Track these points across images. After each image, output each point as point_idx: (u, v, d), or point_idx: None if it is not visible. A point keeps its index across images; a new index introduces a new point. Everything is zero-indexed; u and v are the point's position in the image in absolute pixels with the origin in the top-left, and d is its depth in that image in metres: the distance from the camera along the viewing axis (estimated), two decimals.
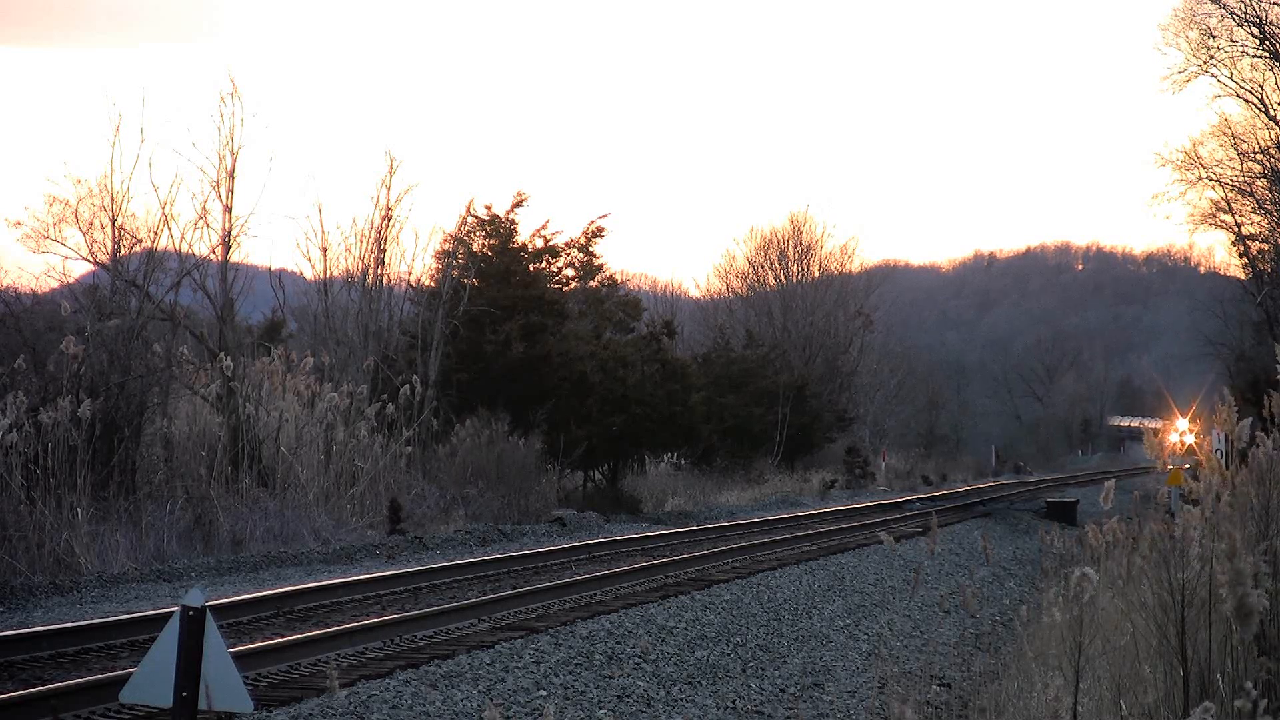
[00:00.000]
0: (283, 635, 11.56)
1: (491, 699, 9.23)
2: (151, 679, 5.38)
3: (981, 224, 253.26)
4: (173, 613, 5.42)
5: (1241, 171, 40.31)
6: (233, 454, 21.53)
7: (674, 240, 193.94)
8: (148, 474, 20.56)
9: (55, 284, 24.04)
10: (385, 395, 24.81)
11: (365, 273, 28.65)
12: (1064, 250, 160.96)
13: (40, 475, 17.38)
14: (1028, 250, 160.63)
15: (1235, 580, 4.77)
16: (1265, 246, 40.99)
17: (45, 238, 23.05)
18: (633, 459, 35.30)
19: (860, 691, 10.43)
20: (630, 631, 12.22)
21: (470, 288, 29.82)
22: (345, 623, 12.28)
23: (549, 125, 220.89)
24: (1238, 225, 41.27)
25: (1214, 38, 38.93)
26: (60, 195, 22.93)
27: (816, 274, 57.91)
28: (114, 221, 22.79)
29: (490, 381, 29.73)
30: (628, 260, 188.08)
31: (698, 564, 18.13)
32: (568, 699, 9.58)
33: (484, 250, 32.22)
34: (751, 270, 58.66)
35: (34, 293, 23.09)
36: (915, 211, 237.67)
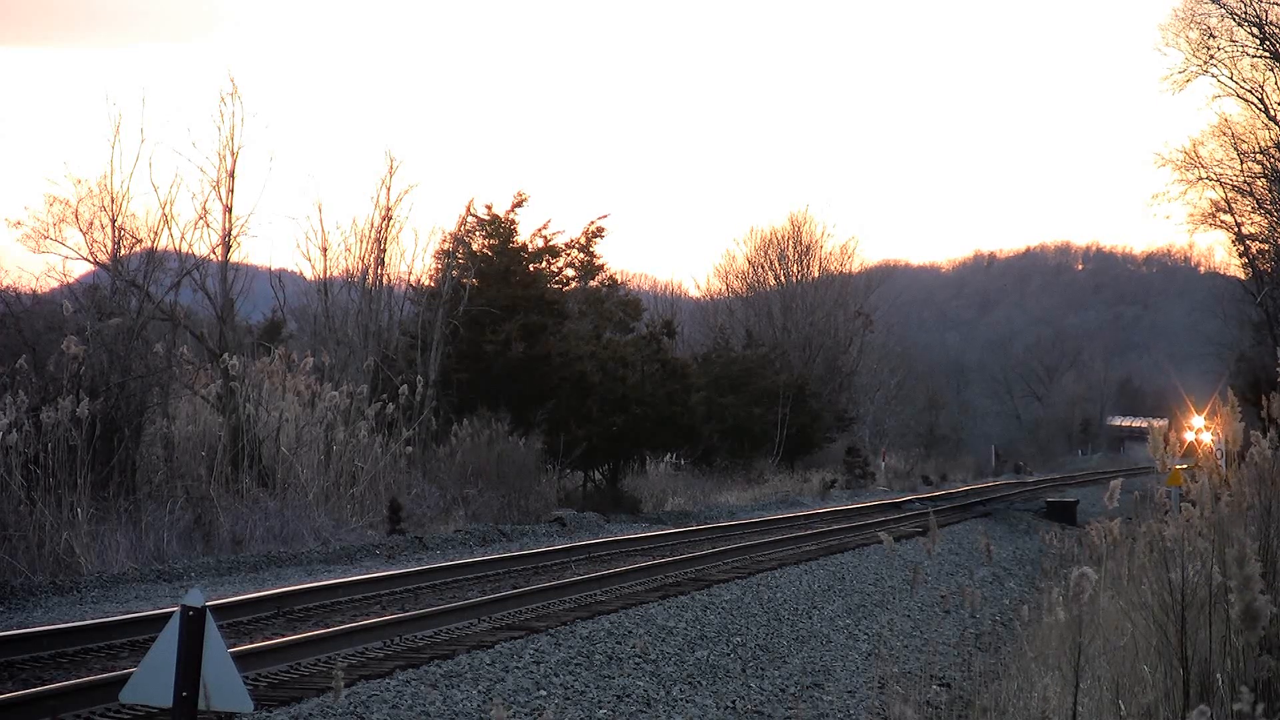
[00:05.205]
0: (283, 635, 11.56)
1: (492, 699, 9.23)
2: (151, 679, 5.38)
3: (981, 224, 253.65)
4: (173, 613, 5.42)
5: (1241, 171, 40.30)
6: (233, 454, 21.52)
7: (674, 240, 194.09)
8: (148, 474, 20.55)
9: (55, 284, 24.07)
10: (385, 395, 24.80)
11: (365, 273, 28.64)
12: (1064, 250, 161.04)
13: (40, 475, 17.36)
14: (1028, 250, 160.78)
15: (1244, 585, 4.77)
16: (1265, 246, 40.97)
17: (45, 238, 23.08)
18: (633, 459, 35.28)
19: (860, 691, 10.43)
20: (630, 631, 12.22)
21: (470, 288, 29.82)
22: (345, 623, 12.28)
23: (549, 125, 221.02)
24: (1238, 225, 41.27)
25: (1214, 38, 38.92)
26: (60, 195, 22.97)
27: (816, 274, 57.87)
28: (114, 221, 22.81)
29: (490, 381, 29.72)
30: (628, 260, 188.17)
31: (698, 564, 18.12)
32: (568, 699, 9.58)
33: (484, 250, 32.22)
34: (751, 270, 58.65)
35: (34, 293, 23.12)
36: (915, 211, 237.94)
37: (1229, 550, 4.93)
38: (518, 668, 10.38)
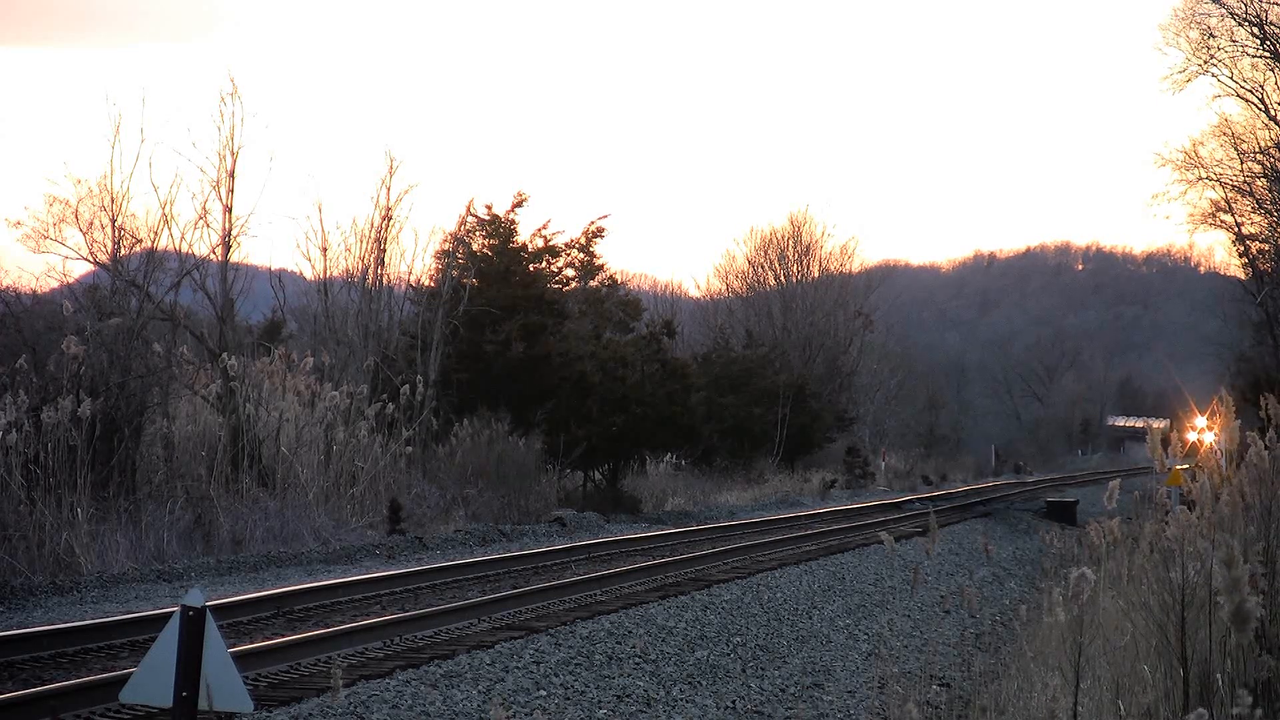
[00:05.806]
0: (283, 635, 11.56)
1: (492, 699, 9.23)
2: (151, 679, 5.38)
3: (981, 224, 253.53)
4: (173, 613, 5.42)
5: (1241, 171, 40.32)
6: (233, 454, 21.52)
7: (674, 240, 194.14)
8: (148, 474, 20.54)
9: (55, 284, 24.08)
10: (385, 395, 24.80)
11: (365, 273, 28.65)
12: (1064, 250, 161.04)
13: (40, 475, 17.36)
14: (1028, 250, 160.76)
15: (1232, 586, 4.80)
16: (1265, 246, 41.00)
17: (45, 238, 23.10)
18: (633, 459, 35.29)
19: (860, 691, 10.43)
20: (630, 631, 12.22)
21: (470, 288, 29.82)
22: (345, 623, 12.28)
23: (549, 125, 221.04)
24: (1238, 225, 41.29)
25: (1214, 37, 38.96)
26: (60, 195, 22.99)
27: (816, 274, 57.90)
28: (114, 221, 22.81)
29: (490, 381, 29.72)
30: (628, 260, 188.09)
31: (697, 564, 18.12)
32: (568, 699, 9.58)
33: (484, 250, 32.23)
34: (751, 270, 58.67)
35: (34, 293, 23.11)
36: (915, 211, 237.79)
37: (1217, 553, 4.96)
38: (518, 668, 10.38)
